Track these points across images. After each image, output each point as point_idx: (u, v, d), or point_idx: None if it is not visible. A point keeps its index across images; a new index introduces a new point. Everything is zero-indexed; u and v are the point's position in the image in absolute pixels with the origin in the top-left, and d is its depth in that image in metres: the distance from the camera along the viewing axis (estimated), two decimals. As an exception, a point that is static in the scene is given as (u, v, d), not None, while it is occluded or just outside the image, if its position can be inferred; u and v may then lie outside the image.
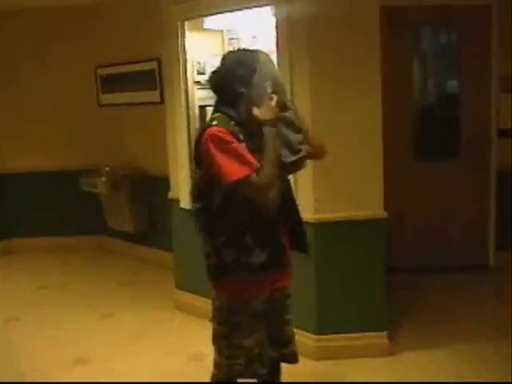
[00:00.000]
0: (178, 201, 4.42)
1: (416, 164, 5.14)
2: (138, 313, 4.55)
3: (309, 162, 3.47)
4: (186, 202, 4.35)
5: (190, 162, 4.29)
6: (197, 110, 4.29)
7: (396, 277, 4.36)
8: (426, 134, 5.20)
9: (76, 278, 5.54)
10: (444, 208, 5.22)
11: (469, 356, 3.63)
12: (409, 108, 5.14)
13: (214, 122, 2.30)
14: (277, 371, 2.67)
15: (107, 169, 5.78)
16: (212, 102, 4.24)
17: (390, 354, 3.65)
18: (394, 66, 4.75)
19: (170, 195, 4.52)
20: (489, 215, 5.24)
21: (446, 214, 5.23)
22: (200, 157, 2.33)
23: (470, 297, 4.63)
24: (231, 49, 4.31)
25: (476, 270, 5.11)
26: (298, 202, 3.53)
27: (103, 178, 5.71)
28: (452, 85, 5.37)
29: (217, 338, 2.51)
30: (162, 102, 4.89)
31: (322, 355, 3.62)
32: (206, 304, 4.28)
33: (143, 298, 4.89)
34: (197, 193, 2.42)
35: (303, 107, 3.49)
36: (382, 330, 3.67)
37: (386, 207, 3.60)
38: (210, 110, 4.17)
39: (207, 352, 2.91)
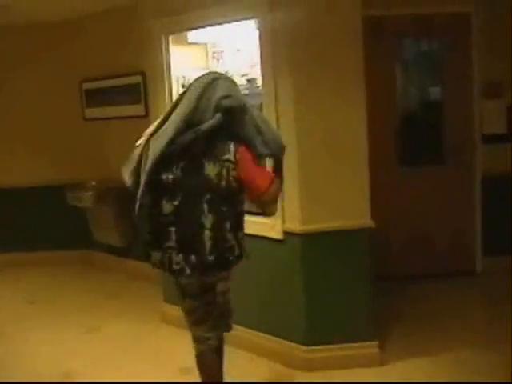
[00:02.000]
0: (164, 214, 4.40)
1: (400, 171, 5.16)
2: (125, 326, 4.52)
3: (294, 174, 3.52)
4: (172, 216, 4.34)
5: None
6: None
7: (383, 285, 4.36)
8: (409, 141, 5.21)
9: (63, 292, 5.51)
10: (430, 214, 5.24)
11: (459, 365, 3.63)
12: (392, 115, 5.16)
13: None
14: None
15: (93, 183, 5.76)
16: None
17: (381, 363, 3.65)
18: (377, 74, 4.77)
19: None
20: (475, 221, 5.27)
21: (432, 220, 5.25)
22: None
23: (458, 303, 4.64)
24: (215, 62, 4.33)
25: (463, 276, 5.13)
26: (284, 213, 3.58)
27: (89, 192, 5.69)
28: (434, 91, 5.43)
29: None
30: (147, 115, 4.89)
31: (312, 366, 3.61)
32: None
33: (130, 312, 4.86)
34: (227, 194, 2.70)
35: (287, 118, 3.53)
36: (372, 340, 3.67)
37: (372, 215, 3.61)
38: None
39: (195, 365, 2.93)
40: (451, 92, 5.19)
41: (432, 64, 5.39)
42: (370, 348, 3.66)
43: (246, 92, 4.00)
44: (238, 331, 3.99)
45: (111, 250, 6.05)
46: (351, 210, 3.59)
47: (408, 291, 4.88)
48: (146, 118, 4.93)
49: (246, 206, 3.90)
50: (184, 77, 4.21)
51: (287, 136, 3.52)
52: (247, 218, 3.82)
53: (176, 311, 4.43)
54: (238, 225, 2.82)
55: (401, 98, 5.33)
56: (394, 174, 5.13)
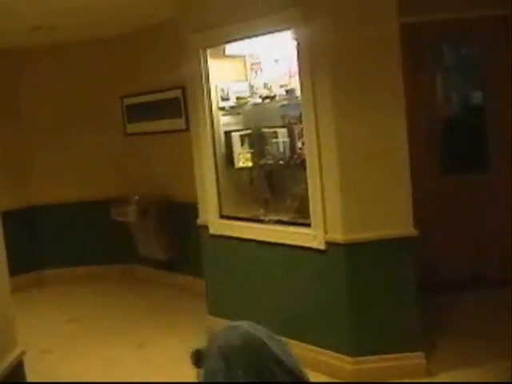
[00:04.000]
0: (206, 227, 4.44)
1: (443, 178, 5.08)
2: (172, 341, 4.53)
3: (336, 182, 3.51)
4: (214, 228, 4.38)
5: (218, 187, 4.32)
6: (222, 136, 4.33)
7: (428, 295, 4.29)
8: (452, 148, 5.15)
9: (107, 308, 5.57)
10: (473, 222, 5.12)
11: (504, 374, 3.51)
12: (433, 123, 5.08)
13: None
14: None
15: (136, 197, 5.84)
16: (237, 127, 4.34)
17: (428, 374, 3.58)
18: (417, 81, 4.73)
19: (199, 221, 4.54)
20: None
21: (475, 227, 5.12)
22: None
23: (502, 312, 4.53)
24: (254, 73, 4.34)
25: (503, 285, 5.00)
26: (326, 223, 3.56)
27: (132, 207, 5.77)
28: (477, 96, 5.33)
29: None
30: (188, 129, 4.94)
31: (358, 377, 3.57)
32: (238, 329, 4.30)
33: (176, 326, 4.88)
34: None
35: (327, 129, 3.52)
36: (418, 350, 3.61)
37: (414, 224, 3.56)
38: (234, 135, 4.27)
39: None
40: (493, 96, 5.08)
41: (472, 68, 5.32)
42: (417, 359, 3.59)
43: (285, 103, 4.02)
44: (282, 343, 3.99)
45: (155, 264, 6.12)
46: (394, 219, 3.55)
47: (452, 300, 4.76)
48: (186, 131, 4.99)
49: (287, 216, 3.95)
50: (223, 89, 4.25)
51: (328, 146, 3.54)
52: (289, 228, 3.85)
53: (221, 323, 4.46)
54: None
55: (442, 105, 5.27)
56: (436, 181, 5.04)
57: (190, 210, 4.76)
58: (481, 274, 5.10)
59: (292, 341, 3.89)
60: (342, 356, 3.65)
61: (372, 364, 3.60)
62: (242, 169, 4.28)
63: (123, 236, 6.19)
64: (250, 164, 4.22)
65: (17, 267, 6.09)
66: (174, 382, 2.34)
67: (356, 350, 3.62)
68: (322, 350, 3.76)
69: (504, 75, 5.00)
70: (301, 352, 3.81)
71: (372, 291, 3.60)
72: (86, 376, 4.06)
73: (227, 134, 4.31)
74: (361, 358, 3.61)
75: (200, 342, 4.43)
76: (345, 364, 3.63)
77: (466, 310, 4.60)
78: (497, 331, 4.16)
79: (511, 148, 5.02)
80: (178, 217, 5.73)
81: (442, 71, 5.28)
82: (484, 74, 5.14)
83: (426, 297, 4.25)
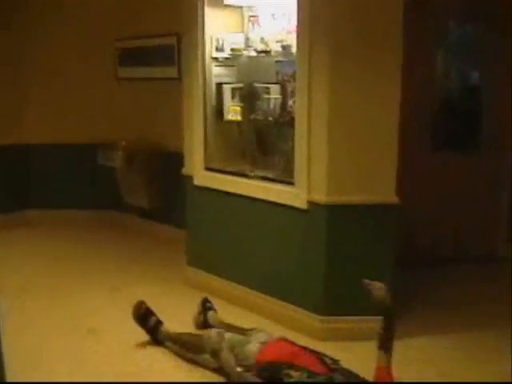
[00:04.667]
0: (191, 178, 4.43)
1: (433, 155, 5.09)
2: (149, 288, 4.57)
3: (323, 144, 3.50)
4: (199, 180, 4.37)
5: (205, 139, 4.30)
6: (213, 87, 4.28)
7: (407, 265, 4.33)
8: (445, 126, 5.14)
9: (88, 252, 5.57)
10: (459, 198, 5.16)
11: (470, 343, 3.64)
12: (431, 98, 5.08)
13: None
14: None
15: (123, 143, 5.79)
16: (229, 79, 4.29)
17: (396, 338, 3.64)
18: (418, 56, 4.70)
19: (184, 172, 4.53)
20: (502, 208, 5.21)
21: (461, 204, 5.17)
22: None
23: (479, 287, 4.61)
24: (251, 26, 4.27)
25: (486, 261, 5.09)
26: (310, 183, 3.57)
27: (119, 153, 5.73)
28: (475, 76, 5.31)
29: None
30: (180, 78, 4.88)
31: (328, 337, 3.62)
32: (216, 282, 4.35)
33: (154, 274, 4.91)
34: None
35: (320, 88, 3.49)
36: (389, 315, 3.66)
37: (401, 196, 3.57)
38: (226, 87, 4.23)
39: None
40: (491, 77, 5.08)
41: (474, 48, 5.26)
42: (386, 323, 3.65)
43: (281, 59, 3.97)
44: (257, 297, 4.04)
45: (139, 212, 6.12)
46: (377, 186, 3.56)
47: (431, 273, 4.84)
48: (178, 80, 4.93)
49: (273, 173, 3.95)
50: (218, 39, 4.19)
51: (318, 107, 3.52)
52: (273, 185, 3.86)
53: (199, 275, 4.51)
54: None
55: (441, 82, 5.25)
56: (426, 156, 5.06)
57: (177, 159, 4.73)
58: (463, 251, 5.17)
59: (268, 297, 3.97)
60: (314, 315, 3.70)
61: (342, 324, 3.66)
62: (231, 122, 4.25)
63: (109, 182, 6.15)
64: (239, 118, 4.19)
65: (1, 206, 6.17)
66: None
67: (328, 309, 3.67)
68: (296, 307, 3.81)
69: (503, 57, 4.98)
70: (277, 309, 3.90)
71: (350, 254, 3.63)
72: (60, 314, 4.10)
73: (219, 85, 4.26)
74: (332, 318, 3.66)
75: (177, 292, 4.52)
76: (316, 322, 3.68)
77: (443, 284, 4.66)
78: (471, 305, 4.25)
79: (503, 130, 5.05)
80: (165, 166, 5.70)
81: (445, 48, 5.22)
82: (483, 54, 5.11)
83: (407, 270, 4.31)
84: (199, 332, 3.56)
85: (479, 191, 5.18)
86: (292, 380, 2.80)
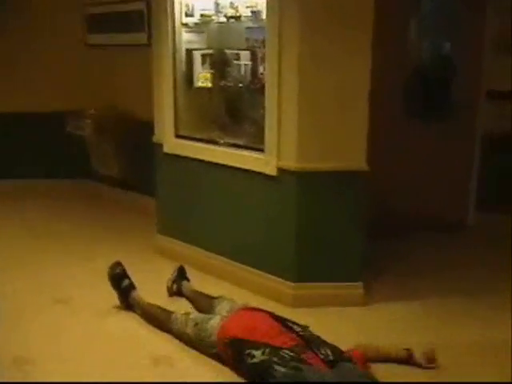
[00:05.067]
0: (161, 145, 4.40)
1: (405, 122, 5.11)
2: (119, 256, 4.50)
3: (294, 111, 3.49)
4: (169, 147, 4.34)
5: (175, 106, 4.26)
6: (183, 54, 4.22)
7: (378, 233, 4.38)
8: (417, 94, 5.18)
9: (59, 222, 5.52)
10: (429, 166, 5.22)
11: (440, 308, 3.71)
12: (403, 68, 5.10)
13: None
14: None
15: (92, 111, 5.71)
16: (199, 45, 4.23)
17: (365, 304, 3.71)
18: (391, 25, 4.67)
19: (154, 139, 4.49)
20: (471, 176, 5.27)
21: (431, 172, 5.23)
22: None
23: (447, 254, 4.69)
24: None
25: (455, 229, 5.17)
26: (280, 150, 3.57)
27: (88, 121, 5.65)
28: (446, 46, 5.34)
29: None
30: (150, 44, 4.79)
31: (298, 303, 3.66)
32: (187, 249, 4.35)
33: (125, 243, 4.89)
34: None
35: (290, 57, 3.47)
36: (358, 281, 3.71)
37: (372, 164, 3.59)
38: (196, 53, 4.17)
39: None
40: (462, 47, 5.10)
41: (447, 19, 5.26)
42: (356, 289, 3.70)
43: (251, 25, 3.93)
44: (228, 265, 4.06)
45: (109, 181, 6.07)
46: (347, 153, 3.57)
47: (401, 239, 4.89)
48: (148, 46, 4.84)
49: (243, 141, 3.94)
50: (188, 5, 4.12)
51: (289, 74, 3.50)
52: (243, 152, 3.85)
53: (169, 243, 4.50)
54: None
55: (414, 51, 5.27)
56: (398, 124, 5.07)
57: (148, 128, 4.68)
58: (434, 219, 5.22)
59: (240, 264, 3.98)
60: (285, 281, 3.73)
61: (312, 290, 3.70)
62: (201, 89, 4.21)
63: (78, 151, 6.07)
64: (209, 84, 4.15)
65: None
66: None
67: (298, 276, 3.70)
68: (267, 274, 3.83)
69: (474, 28, 5.00)
70: (247, 276, 3.92)
71: (320, 220, 3.65)
72: (31, 284, 4.07)
73: (189, 52, 4.20)
74: (302, 284, 3.70)
75: (147, 261, 4.52)
76: (287, 289, 3.71)
77: (414, 252, 4.73)
78: (438, 271, 4.32)
79: (473, 99, 5.09)
80: (135, 134, 5.63)
81: (418, 19, 5.23)
82: (456, 24, 5.11)
83: (378, 239, 4.36)
84: (169, 305, 3.56)
85: (450, 159, 5.23)
86: (255, 360, 2.76)
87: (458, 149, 5.23)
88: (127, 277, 3.65)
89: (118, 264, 3.67)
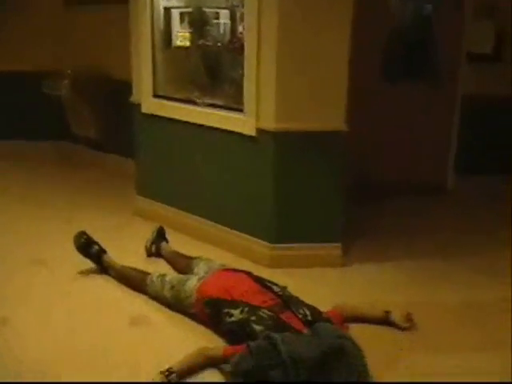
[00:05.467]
0: (139, 105, 4.33)
1: (383, 84, 5.08)
2: (98, 218, 4.53)
3: (273, 71, 3.44)
4: (147, 107, 4.29)
5: (153, 66, 4.19)
6: (161, 12, 4.14)
7: (356, 195, 4.40)
8: (396, 56, 5.13)
9: (36, 184, 5.46)
10: (408, 128, 5.21)
11: (417, 270, 3.75)
12: (383, 29, 5.05)
13: None
14: None
15: (69, 71, 5.60)
16: (177, 3, 4.15)
17: (343, 265, 3.73)
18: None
19: (132, 99, 4.43)
20: (450, 139, 5.28)
21: (410, 134, 5.23)
22: None
23: (425, 217, 4.73)
24: None
25: (434, 192, 5.20)
26: (259, 110, 3.53)
27: (65, 81, 5.54)
28: (427, 8, 5.28)
29: None
30: (127, 2, 4.68)
31: (277, 263, 3.67)
32: (166, 211, 4.34)
33: (104, 205, 4.87)
34: None
35: (269, 17, 3.42)
36: (336, 242, 3.72)
37: (352, 126, 3.57)
38: (174, 11, 4.09)
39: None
40: (443, 9, 5.06)
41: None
42: (334, 249, 3.72)
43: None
44: (207, 226, 4.06)
45: (88, 142, 5.99)
46: (327, 113, 3.54)
47: (380, 203, 4.92)
48: (125, 4, 4.72)
49: (222, 101, 3.89)
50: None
51: (268, 34, 3.45)
52: (222, 112, 3.82)
53: (148, 204, 4.48)
54: None
55: (394, 13, 5.22)
56: (377, 86, 5.04)
57: (126, 88, 4.59)
58: (413, 182, 5.24)
59: (219, 226, 3.98)
60: (263, 242, 3.74)
61: (290, 251, 3.71)
62: (180, 48, 4.15)
63: (56, 112, 5.97)
64: (187, 44, 4.09)
65: None
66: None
67: (277, 237, 3.71)
68: (245, 235, 3.84)
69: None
70: (226, 237, 3.92)
71: (298, 181, 3.64)
72: (8, 245, 4.04)
73: (167, 10, 4.13)
74: (280, 245, 3.71)
75: (126, 222, 4.50)
76: (265, 250, 3.72)
77: (392, 215, 4.75)
78: (417, 234, 4.35)
79: (453, 61, 5.07)
80: (113, 95, 5.55)
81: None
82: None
83: (357, 201, 4.38)
84: (148, 266, 3.56)
85: (430, 122, 5.23)
86: (233, 319, 2.78)
87: (438, 111, 5.23)
88: (94, 243, 3.62)
89: (82, 233, 3.64)
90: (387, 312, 3.06)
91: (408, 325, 3.04)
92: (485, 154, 5.22)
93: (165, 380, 2.47)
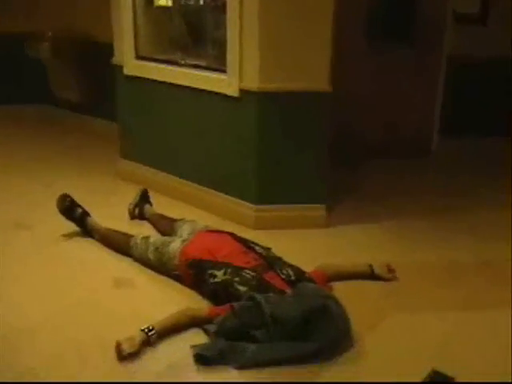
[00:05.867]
0: (121, 67, 4.27)
1: (368, 45, 5.00)
2: (81, 181, 4.49)
3: (256, 31, 3.39)
4: (129, 69, 4.22)
5: (135, 26, 4.12)
6: (142, -31, 4.06)
7: (341, 157, 4.39)
8: (380, 15, 5.02)
9: (19, 148, 5.40)
10: (392, 89, 5.17)
11: (400, 231, 3.77)
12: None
13: None
14: None
15: (50, 33, 5.49)
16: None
17: (327, 226, 3.74)
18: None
19: (114, 61, 4.36)
20: (435, 101, 5.26)
21: (393, 95, 5.18)
22: None
23: (410, 180, 4.74)
24: None
25: (418, 154, 5.21)
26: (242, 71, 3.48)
27: (46, 43, 5.45)
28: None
29: None
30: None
31: (261, 225, 3.68)
32: (148, 172, 4.32)
33: (87, 168, 4.84)
34: None
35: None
36: (320, 203, 3.73)
37: (335, 86, 3.53)
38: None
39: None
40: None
41: None
42: (318, 210, 3.73)
43: None
44: (191, 188, 4.04)
45: (70, 105, 5.92)
46: (310, 74, 3.51)
47: (364, 165, 4.93)
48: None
49: (205, 61, 3.84)
50: None
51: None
52: (205, 73, 3.77)
53: (132, 167, 4.45)
54: None
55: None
56: (361, 47, 4.97)
57: (108, 49, 4.51)
58: (398, 145, 5.23)
59: (203, 187, 3.97)
60: (247, 203, 3.73)
61: (275, 212, 3.72)
62: (162, 8, 4.08)
63: (37, 75, 5.89)
64: (169, 3, 4.02)
65: None
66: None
67: (261, 198, 3.70)
68: (229, 197, 3.84)
69: None
70: (210, 198, 3.91)
71: (282, 142, 3.62)
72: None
73: (148, -33, 4.05)
74: (264, 206, 3.71)
75: (110, 185, 4.45)
76: (249, 211, 3.72)
77: (377, 175, 4.78)
78: (401, 196, 4.36)
79: (440, 21, 5.02)
80: (95, 57, 5.46)
81: None
82: None
83: (342, 164, 4.37)
84: (131, 229, 3.55)
85: (414, 84, 5.20)
86: (217, 280, 2.78)
87: (423, 72, 5.18)
88: (78, 205, 3.58)
89: (65, 196, 3.59)
90: (370, 266, 3.11)
91: (391, 275, 3.10)
92: (469, 117, 5.22)
93: (145, 337, 2.49)
